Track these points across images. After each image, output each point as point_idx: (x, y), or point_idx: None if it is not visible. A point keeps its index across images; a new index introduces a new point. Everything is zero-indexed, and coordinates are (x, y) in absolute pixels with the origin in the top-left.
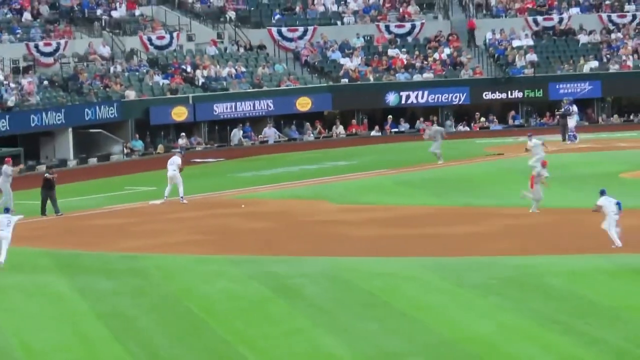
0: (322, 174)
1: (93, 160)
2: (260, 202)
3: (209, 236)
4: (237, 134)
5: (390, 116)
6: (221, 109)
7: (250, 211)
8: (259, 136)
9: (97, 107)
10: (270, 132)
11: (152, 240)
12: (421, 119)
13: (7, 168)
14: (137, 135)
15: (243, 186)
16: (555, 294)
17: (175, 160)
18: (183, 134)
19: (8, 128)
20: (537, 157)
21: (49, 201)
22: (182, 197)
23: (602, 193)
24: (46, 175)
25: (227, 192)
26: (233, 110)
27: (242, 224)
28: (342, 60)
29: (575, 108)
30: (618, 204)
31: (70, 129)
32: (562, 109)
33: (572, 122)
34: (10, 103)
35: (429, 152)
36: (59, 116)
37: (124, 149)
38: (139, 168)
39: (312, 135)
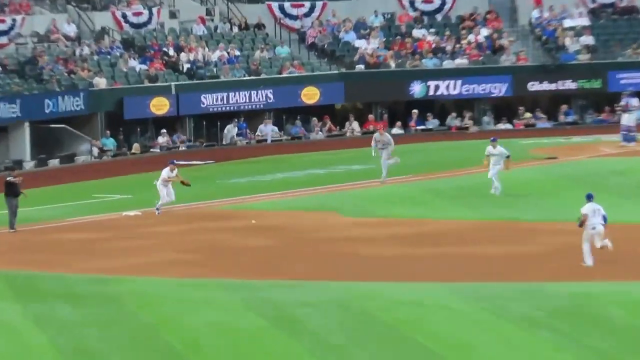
0: (332, 181)
1: (54, 162)
2: (257, 214)
3: (195, 255)
4: (230, 131)
5: (415, 111)
6: (210, 101)
7: (245, 225)
8: (256, 134)
9: (60, 98)
10: (266, 130)
11: (126, 260)
12: (452, 114)
13: None
14: (108, 132)
15: (236, 195)
16: (616, 329)
17: (163, 174)
18: (164, 130)
19: None
20: (497, 169)
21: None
22: (157, 208)
23: (589, 198)
24: (8, 179)
25: (217, 201)
26: (225, 102)
27: (235, 240)
28: (357, 43)
29: (636, 102)
30: (604, 217)
31: (27, 124)
32: (621, 103)
33: (630, 119)
34: None
35: (385, 165)
36: (13, 108)
37: (92, 148)
38: (110, 172)
39: (320, 133)
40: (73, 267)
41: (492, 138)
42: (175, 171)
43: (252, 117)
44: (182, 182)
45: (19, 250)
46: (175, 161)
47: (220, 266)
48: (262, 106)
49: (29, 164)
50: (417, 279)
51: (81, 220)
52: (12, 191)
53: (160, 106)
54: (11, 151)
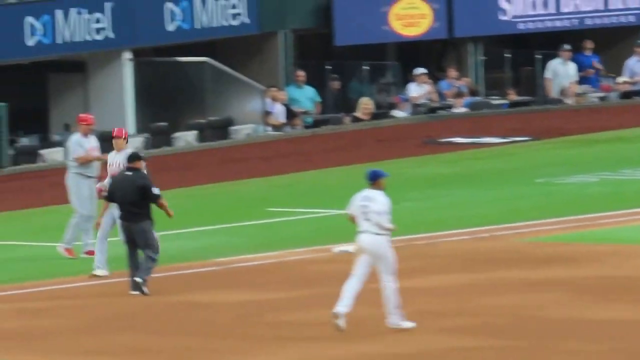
0: None
1: (186, 137)
2: (616, 252)
3: (492, 338)
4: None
5: None
6: (519, 10)
7: (595, 277)
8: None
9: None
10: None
11: (349, 345)
12: None
13: None
14: (301, 76)
15: (575, 209)
16: None
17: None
18: (420, 70)
19: None
20: None
21: None
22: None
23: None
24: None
25: (530, 224)
26: (551, 12)
27: (567, 309)
28: None
29: None
30: None
31: (126, 56)
32: None
33: None
34: None
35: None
36: (99, 24)
37: (272, 107)
38: (302, 157)
39: None
40: None
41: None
42: None
43: (608, 40)
44: None
45: (134, 325)
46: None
47: None
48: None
49: (133, 141)
50: None
51: (244, 261)
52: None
53: (415, 19)
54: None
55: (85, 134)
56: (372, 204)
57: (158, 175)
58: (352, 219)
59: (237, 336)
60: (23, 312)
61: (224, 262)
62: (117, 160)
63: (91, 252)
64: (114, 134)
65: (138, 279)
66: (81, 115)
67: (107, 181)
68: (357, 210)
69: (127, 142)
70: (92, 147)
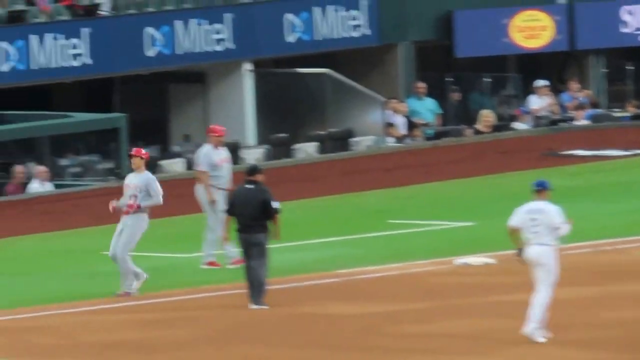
0: None
1: (306, 148)
2: None
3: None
4: None
5: None
6: None
7: None
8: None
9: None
10: None
11: None
12: None
13: None
14: (421, 87)
15: None
16: None
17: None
18: (542, 82)
19: None
20: None
21: None
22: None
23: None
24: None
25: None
26: None
27: None
28: None
29: None
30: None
31: (246, 67)
32: None
33: None
34: None
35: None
36: (218, 35)
37: (394, 119)
38: (427, 171)
39: None
40: None
41: None
42: None
43: None
44: None
45: (255, 337)
46: None
47: None
48: None
49: (253, 152)
50: None
51: (365, 273)
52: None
53: (536, 31)
54: (214, 123)
55: (216, 146)
56: (541, 216)
57: (278, 186)
58: (514, 231)
59: (360, 348)
60: (145, 323)
61: (345, 273)
62: (134, 182)
63: (213, 263)
64: (132, 153)
65: (253, 307)
66: (212, 126)
67: (122, 201)
68: (523, 222)
69: (146, 163)
70: (222, 159)
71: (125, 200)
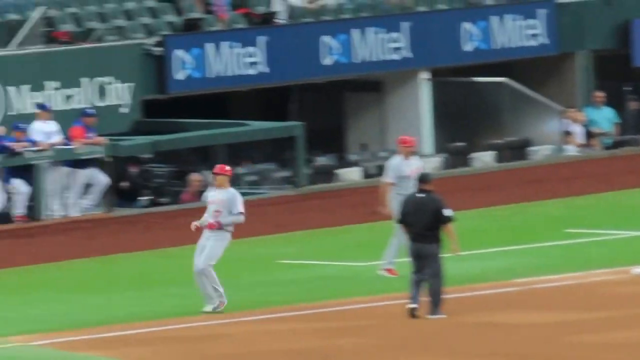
0: None
1: (481, 158)
2: None
3: None
4: None
5: None
6: None
7: None
8: None
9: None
10: None
11: None
12: None
13: None
14: (600, 97)
15: None
16: None
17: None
18: None
19: None
20: None
21: None
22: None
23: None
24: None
25: None
26: None
27: None
28: None
29: None
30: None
31: (423, 76)
32: None
33: None
34: None
35: None
36: (395, 44)
37: (571, 128)
38: (603, 180)
39: None
40: None
41: None
42: None
43: None
44: None
45: (431, 346)
46: None
47: None
48: None
49: (430, 161)
50: None
51: (543, 282)
52: None
53: None
54: (391, 132)
55: (406, 156)
56: None
57: (455, 195)
58: None
59: (538, 357)
60: (320, 332)
61: (523, 282)
62: (219, 197)
63: (391, 271)
64: (215, 171)
65: (430, 317)
66: (402, 137)
67: (203, 219)
68: None
69: (229, 180)
70: (413, 170)
71: (207, 218)
